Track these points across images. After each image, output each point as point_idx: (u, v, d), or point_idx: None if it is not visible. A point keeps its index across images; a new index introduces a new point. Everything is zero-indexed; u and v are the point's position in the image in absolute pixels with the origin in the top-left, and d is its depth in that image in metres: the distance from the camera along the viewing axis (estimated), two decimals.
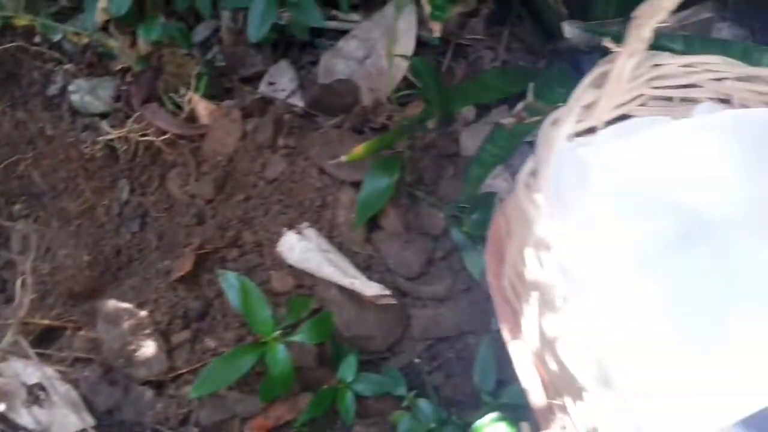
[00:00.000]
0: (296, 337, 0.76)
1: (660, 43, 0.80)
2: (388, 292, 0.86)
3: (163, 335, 0.86)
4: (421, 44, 1.15)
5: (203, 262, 0.90)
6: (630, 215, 0.69)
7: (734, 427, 0.61)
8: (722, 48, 0.82)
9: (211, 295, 0.89)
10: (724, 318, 0.64)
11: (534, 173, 0.64)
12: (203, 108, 1.03)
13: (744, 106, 0.72)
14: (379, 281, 0.92)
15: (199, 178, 0.98)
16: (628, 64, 0.66)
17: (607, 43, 0.65)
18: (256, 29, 0.99)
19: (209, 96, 1.07)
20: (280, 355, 0.75)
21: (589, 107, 0.69)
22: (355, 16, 1.21)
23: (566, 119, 0.65)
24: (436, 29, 0.96)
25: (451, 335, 0.93)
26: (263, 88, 1.13)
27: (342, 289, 0.89)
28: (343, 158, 0.83)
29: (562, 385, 0.59)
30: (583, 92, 0.67)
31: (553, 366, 0.59)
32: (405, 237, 0.95)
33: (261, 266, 0.92)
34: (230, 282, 0.76)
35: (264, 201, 0.95)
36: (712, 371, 0.62)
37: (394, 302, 0.87)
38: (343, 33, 1.18)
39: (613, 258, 0.67)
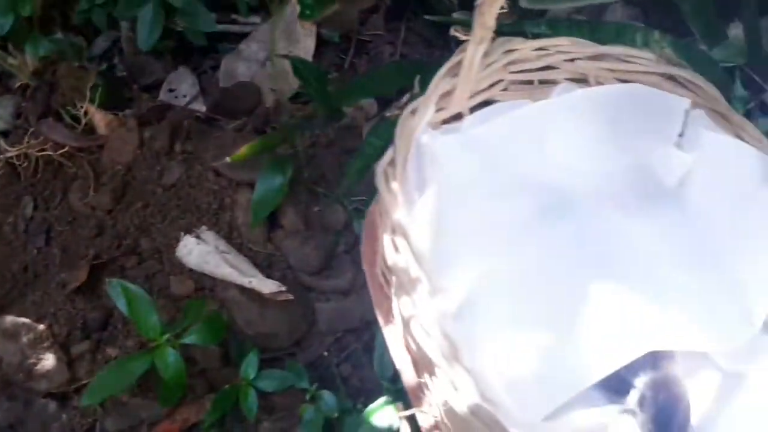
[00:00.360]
0: (187, 340, 0.77)
1: (524, 28, 0.82)
2: (284, 289, 0.87)
3: (62, 347, 0.86)
4: (322, 43, 1.16)
5: (101, 272, 0.91)
6: (494, 195, 0.72)
7: (591, 389, 0.64)
8: (590, 29, 0.85)
9: (110, 305, 0.89)
10: (583, 288, 0.67)
11: (392, 163, 0.66)
12: (100, 119, 1.03)
13: (599, 83, 0.74)
14: (281, 278, 0.93)
15: (99, 189, 0.99)
16: (477, 51, 0.68)
17: (454, 32, 0.67)
18: (146, 38, 1.00)
19: (109, 107, 1.07)
20: (171, 358, 0.76)
21: (447, 95, 0.71)
22: (255, 19, 1.22)
23: (424, 109, 0.67)
24: (307, 27, 0.98)
25: (357, 326, 0.95)
26: (163, 95, 1.14)
27: (242, 288, 0.90)
28: (228, 159, 0.84)
29: (423, 363, 0.61)
30: (439, 81, 0.69)
31: (413, 346, 0.61)
32: (305, 234, 0.96)
33: (161, 272, 0.92)
34: (116, 290, 0.77)
35: (162, 207, 0.96)
36: (570, 340, 0.64)
37: (291, 298, 0.88)
38: (243, 36, 1.19)
39: (476, 237, 0.70)
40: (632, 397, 0.65)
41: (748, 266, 0.67)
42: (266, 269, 0.94)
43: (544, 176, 0.74)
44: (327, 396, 0.85)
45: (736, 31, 0.98)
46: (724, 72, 0.93)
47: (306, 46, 1.15)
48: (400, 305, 0.60)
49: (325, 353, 0.94)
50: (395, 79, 1.04)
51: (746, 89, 1.01)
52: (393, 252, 0.62)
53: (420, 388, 0.64)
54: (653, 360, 0.65)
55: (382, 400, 0.77)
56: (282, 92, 1.11)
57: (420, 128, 0.67)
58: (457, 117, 0.77)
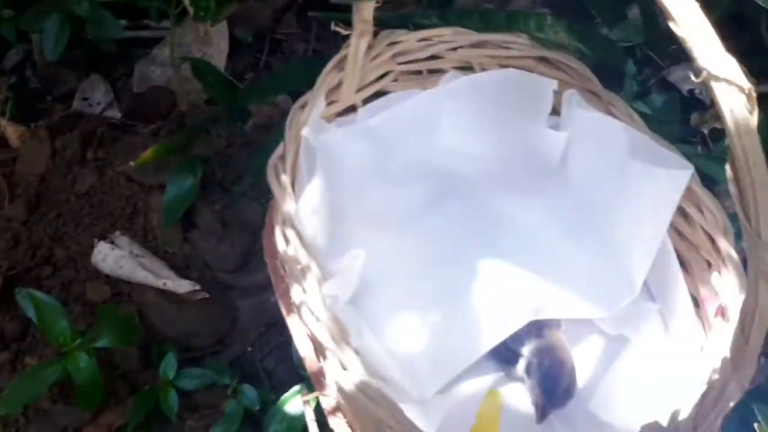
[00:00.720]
0: (100, 343, 0.78)
1: (415, 20, 0.84)
2: (198, 288, 0.88)
3: None
4: (237, 43, 1.17)
5: (17, 283, 0.91)
6: (388, 183, 0.74)
7: (481, 361, 0.67)
8: (480, 17, 0.87)
9: (27, 315, 0.90)
10: (471, 266, 0.70)
11: (283, 157, 0.68)
12: (12, 132, 1.03)
13: (484, 70, 0.77)
14: (199, 278, 0.94)
15: (13, 200, 0.99)
16: (360, 44, 0.70)
17: (335, 27, 0.69)
18: (52, 49, 1.01)
19: (21, 119, 1.07)
20: (82, 363, 0.76)
21: (337, 89, 0.73)
22: (167, 23, 1.21)
23: (313, 102, 0.69)
24: (202, 30, 0.99)
25: (279, 321, 0.95)
26: (77, 104, 1.14)
27: (158, 291, 0.91)
28: (132, 163, 0.85)
29: (318, 348, 0.63)
30: (327, 75, 0.71)
31: (306, 331, 0.63)
32: (221, 233, 0.97)
33: (76, 280, 0.93)
34: (26, 300, 0.78)
35: (75, 215, 0.96)
36: (459, 316, 0.67)
37: (207, 296, 0.89)
38: (157, 41, 1.19)
39: (370, 223, 0.72)
40: (520, 365, 0.68)
41: (625, 235, 0.71)
42: (184, 270, 0.95)
43: (435, 162, 0.77)
44: (248, 390, 0.86)
45: (634, 11, 1.02)
46: (622, 51, 0.96)
47: (219, 48, 1.16)
48: (293, 293, 0.62)
49: (249, 349, 0.95)
50: (306, 76, 1.04)
51: (645, 67, 1.05)
52: (283, 242, 0.64)
53: (321, 372, 0.66)
54: (537, 329, 0.68)
55: (296, 388, 0.79)
56: (197, 95, 1.12)
57: (310, 121, 0.69)
58: (352, 109, 0.80)
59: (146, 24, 1.20)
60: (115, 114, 1.13)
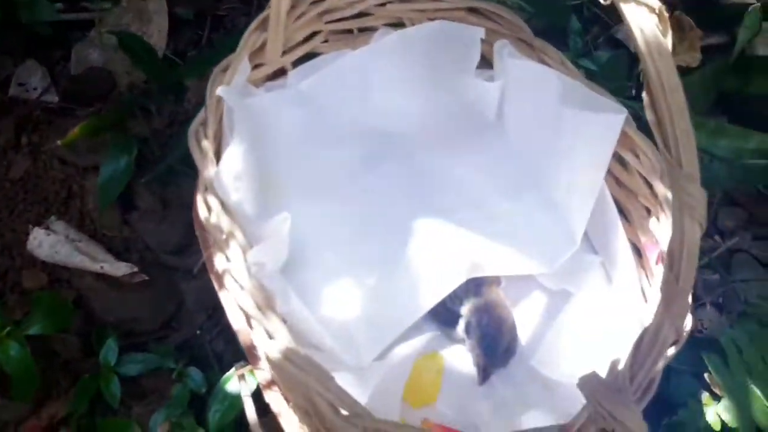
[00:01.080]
0: (31, 331, 0.75)
1: None
2: (135, 269, 0.85)
3: None
4: (177, 21, 1.13)
5: None
6: (322, 146, 0.72)
7: (421, 323, 0.64)
8: None
9: None
10: (407, 226, 0.67)
11: (204, 122, 0.65)
12: None
13: (414, 25, 0.74)
14: (139, 261, 0.91)
15: None
16: (281, 3, 0.67)
17: None
18: None
19: None
20: (13, 351, 0.73)
21: (261, 51, 0.70)
22: (106, 4, 1.18)
23: (235, 65, 0.66)
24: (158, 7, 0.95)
25: None
26: (13, 90, 1.10)
27: (97, 275, 0.88)
28: (59, 142, 0.82)
29: (247, 319, 0.60)
30: (249, 37, 0.68)
31: (232, 301, 0.61)
32: (162, 213, 0.94)
33: (11, 268, 0.89)
34: None
35: (9, 202, 0.93)
36: (396, 279, 0.65)
37: (146, 278, 0.86)
38: (95, 23, 1.15)
39: (303, 187, 0.69)
40: (459, 326, 0.66)
41: (562, 186, 0.69)
42: (124, 253, 0.92)
43: (369, 123, 0.74)
44: (194, 373, 0.84)
45: None
46: (567, 9, 0.95)
47: (159, 26, 1.12)
48: (216, 262, 0.59)
49: (198, 332, 0.92)
50: None
51: (593, 25, 1.03)
52: (205, 210, 0.61)
53: (253, 345, 0.63)
54: (476, 287, 0.66)
55: (239, 364, 0.76)
56: (137, 74, 1.08)
57: (233, 84, 0.66)
58: (283, 73, 0.77)
59: (83, 6, 1.16)
60: (52, 98, 1.09)
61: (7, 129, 0.98)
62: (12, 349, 0.73)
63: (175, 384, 0.85)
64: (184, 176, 0.94)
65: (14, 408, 0.83)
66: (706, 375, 0.65)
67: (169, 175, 0.96)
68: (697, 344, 0.61)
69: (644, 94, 0.41)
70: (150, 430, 0.78)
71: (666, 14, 0.40)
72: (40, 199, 0.93)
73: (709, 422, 0.64)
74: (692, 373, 0.70)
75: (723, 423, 0.65)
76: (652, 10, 0.39)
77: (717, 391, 0.65)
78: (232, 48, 1.00)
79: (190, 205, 0.93)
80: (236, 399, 0.73)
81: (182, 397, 0.80)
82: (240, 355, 0.89)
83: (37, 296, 0.81)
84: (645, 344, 0.48)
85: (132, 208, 0.95)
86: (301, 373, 0.52)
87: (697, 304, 0.86)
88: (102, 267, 0.86)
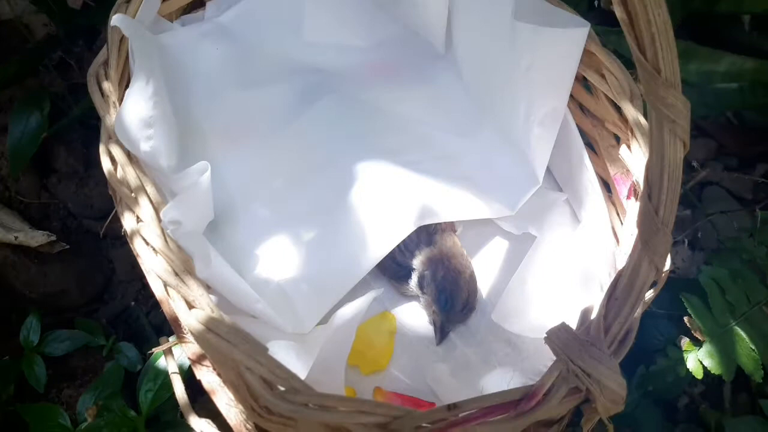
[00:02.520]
0: None
1: None
2: (53, 238, 0.76)
3: None
4: None
5: None
6: (247, 85, 0.63)
7: (370, 281, 0.57)
8: None
9: None
10: (349, 173, 0.59)
11: (107, 62, 0.56)
12: None
13: None
14: (62, 228, 0.83)
15: None
16: None
17: None
18: None
19: None
20: None
21: None
22: None
23: None
24: None
25: None
26: None
27: (14, 247, 0.79)
28: None
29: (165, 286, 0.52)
30: None
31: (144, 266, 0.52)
32: (83, 175, 0.85)
33: None
34: None
35: None
36: (337, 233, 0.57)
37: (67, 247, 0.78)
38: None
39: (227, 133, 0.61)
40: (412, 280, 0.58)
41: (521, 117, 0.61)
42: (43, 221, 0.84)
43: (301, 58, 0.66)
44: (126, 348, 0.77)
45: None
46: None
47: None
48: (124, 222, 0.51)
49: (132, 303, 0.84)
50: None
51: None
52: (109, 162, 0.52)
53: (177, 316, 0.55)
54: (428, 236, 0.58)
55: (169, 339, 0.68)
56: (52, 25, 0.98)
57: (139, 16, 0.57)
58: (201, 5, 0.67)
59: None
60: None
61: None
62: None
63: (108, 362, 0.77)
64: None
65: None
66: (685, 318, 0.59)
67: (88, 133, 0.87)
68: (671, 285, 0.54)
69: None
70: (78, 415, 0.70)
71: None
72: None
73: (690, 369, 0.58)
74: (668, 316, 0.64)
75: (705, 369, 0.58)
76: None
77: (698, 335, 0.59)
78: None
79: None
80: (168, 376, 0.65)
81: (113, 376, 0.73)
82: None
83: None
84: (621, 289, 0.41)
85: (51, 172, 0.86)
86: (227, 345, 0.44)
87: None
88: (16, 237, 0.78)
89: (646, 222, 0.38)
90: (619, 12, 0.34)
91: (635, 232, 0.48)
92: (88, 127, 0.88)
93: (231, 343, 0.44)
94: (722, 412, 0.74)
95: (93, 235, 0.85)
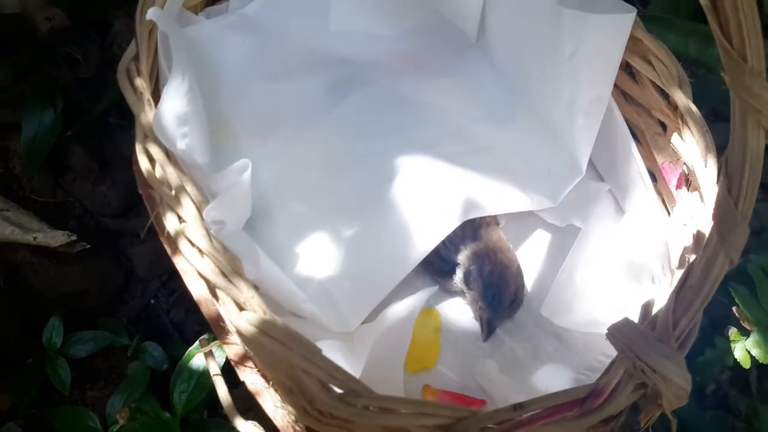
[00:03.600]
0: None
1: None
2: (74, 237, 0.75)
3: None
4: None
5: None
6: (276, 78, 0.62)
7: (413, 278, 0.55)
8: None
9: None
10: (386, 166, 0.58)
11: (137, 56, 0.54)
12: None
13: None
14: (79, 227, 0.82)
15: None
16: None
17: None
18: None
19: None
20: None
21: None
22: None
23: None
24: None
25: None
26: None
27: (32, 248, 0.77)
28: None
29: (209, 288, 0.51)
30: None
31: (190, 268, 0.51)
32: (98, 172, 0.84)
33: None
34: None
35: None
36: (379, 229, 0.55)
37: (87, 246, 0.76)
38: None
39: (260, 128, 0.59)
40: (457, 276, 0.57)
41: (562, 106, 0.59)
42: (59, 220, 0.82)
43: (330, 49, 0.64)
44: (151, 348, 0.76)
45: None
46: None
47: None
48: (167, 223, 0.49)
49: (152, 301, 0.83)
50: None
51: None
52: (147, 162, 0.50)
53: (220, 317, 0.54)
54: (473, 230, 0.57)
55: (204, 336, 0.67)
56: (60, 17, 0.96)
57: (166, 9, 0.55)
58: None
59: None
60: None
61: None
62: None
63: (131, 362, 0.76)
64: (120, 129, 0.84)
65: None
66: (734, 308, 0.58)
67: (103, 129, 0.86)
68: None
69: None
70: (108, 417, 0.69)
71: None
72: None
73: (738, 359, 0.57)
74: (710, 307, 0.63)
75: (753, 359, 0.58)
76: None
77: (745, 325, 0.58)
78: None
79: (130, 162, 0.82)
80: (203, 376, 0.65)
81: (140, 377, 0.72)
82: (205, 325, 0.81)
83: None
84: (693, 281, 0.40)
85: (65, 169, 0.85)
86: (282, 348, 0.43)
87: None
88: (35, 238, 0.76)
89: (724, 215, 0.37)
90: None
91: (691, 222, 0.47)
92: (102, 124, 0.86)
93: (286, 345, 0.43)
94: (751, 398, 0.73)
95: (110, 234, 0.84)
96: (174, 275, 0.86)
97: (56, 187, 0.85)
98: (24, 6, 1.01)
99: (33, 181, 0.83)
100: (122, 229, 0.85)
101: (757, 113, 0.34)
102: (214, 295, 0.51)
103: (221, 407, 0.63)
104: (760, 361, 0.57)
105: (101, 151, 0.86)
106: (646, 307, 0.45)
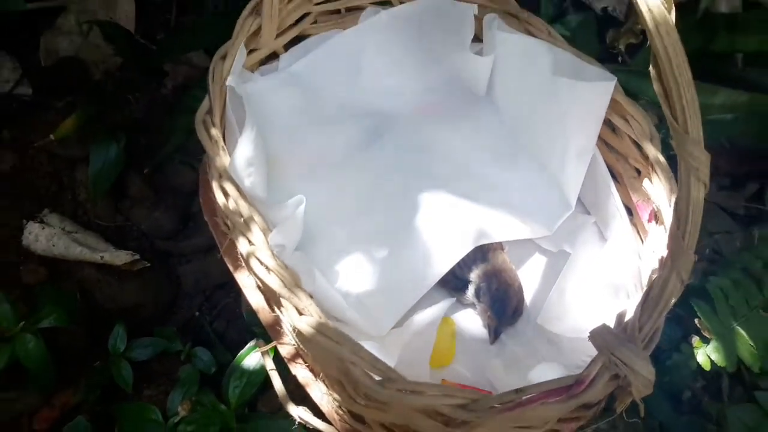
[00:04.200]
0: (43, 323, 0.76)
1: None
2: (137, 256, 0.87)
3: None
4: (144, 5, 1.13)
5: None
6: (320, 125, 0.74)
7: (432, 292, 0.68)
8: None
9: None
10: (409, 199, 0.71)
11: (210, 110, 0.67)
12: None
13: (402, 2, 0.77)
14: (136, 248, 0.93)
15: None
16: None
17: None
18: None
19: None
20: (31, 344, 0.75)
21: (255, 36, 0.71)
22: None
23: (233, 52, 0.67)
24: None
25: (224, 281, 0.96)
26: None
27: (97, 266, 0.89)
28: (51, 137, 0.83)
29: (271, 297, 0.63)
30: (244, 22, 0.70)
31: (258, 282, 0.63)
32: (153, 199, 0.96)
33: (9, 265, 0.90)
34: None
35: None
36: (404, 251, 0.68)
37: (148, 265, 0.88)
38: (61, 11, 1.14)
39: (306, 168, 0.72)
40: (469, 291, 0.70)
41: (556, 153, 0.73)
42: (120, 242, 0.93)
43: (363, 101, 0.77)
44: (201, 353, 0.86)
45: None
46: None
47: (126, 11, 1.12)
48: (239, 246, 0.62)
49: (197, 313, 0.95)
50: (219, 30, 1.02)
51: None
52: (222, 197, 0.63)
53: (276, 321, 0.66)
54: (483, 254, 0.70)
55: (251, 344, 0.79)
56: (110, 61, 1.08)
57: (233, 71, 0.68)
58: (274, 56, 0.79)
59: None
60: (26, 91, 1.08)
61: None
62: (29, 342, 0.75)
63: (182, 365, 0.87)
64: (168, 161, 0.96)
65: (27, 399, 0.85)
66: (696, 320, 0.71)
67: (156, 163, 0.98)
68: (685, 292, 0.66)
69: (651, 68, 0.45)
70: (168, 411, 0.80)
71: None
72: (30, 193, 0.94)
73: (700, 362, 0.70)
74: (673, 319, 0.76)
75: (712, 362, 0.70)
76: None
77: (706, 334, 0.70)
78: (205, 29, 1.02)
79: (181, 191, 0.95)
80: (253, 375, 0.76)
81: (193, 377, 0.83)
82: (243, 333, 0.93)
83: (41, 290, 0.82)
84: (653, 296, 0.53)
85: (123, 197, 0.97)
86: (334, 345, 0.55)
87: None
88: (102, 257, 0.88)
89: (674, 245, 0.50)
90: (656, 87, 0.45)
91: (657, 250, 0.60)
92: (156, 158, 0.98)
93: (337, 342, 0.55)
94: (722, 403, 0.85)
95: (162, 254, 0.95)
96: (216, 291, 0.97)
97: (116, 212, 0.97)
98: (79, 50, 1.13)
99: (96, 208, 0.95)
100: (172, 250, 0.96)
101: (697, 170, 0.47)
102: (271, 305, 0.63)
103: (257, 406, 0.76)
104: (718, 364, 0.70)
105: (154, 181, 0.98)
106: (620, 317, 0.57)
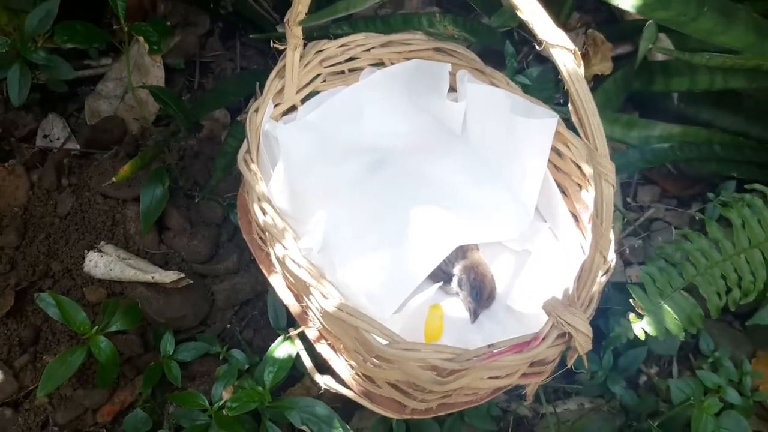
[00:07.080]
0: (113, 328, 0.95)
1: (330, 31, 1.05)
2: (182, 275, 1.06)
3: (6, 363, 1.02)
4: (170, 71, 1.34)
5: (24, 297, 1.07)
6: (331, 162, 0.95)
7: (423, 284, 0.88)
8: (383, 22, 1.08)
9: (38, 322, 1.06)
10: (403, 215, 0.92)
11: (248, 151, 0.87)
12: None
13: (392, 63, 0.99)
14: (179, 271, 1.12)
15: (2, 231, 1.13)
16: (294, 55, 0.90)
17: (274, 44, 0.89)
18: (17, 95, 1.13)
19: None
20: (103, 344, 0.93)
21: (280, 93, 0.92)
22: (106, 60, 1.38)
23: (264, 106, 0.88)
24: (155, 60, 1.17)
25: (250, 298, 1.14)
26: (40, 141, 1.28)
27: (147, 285, 1.07)
28: (114, 179, 1.02)
29: (301, 290, 0.83)
30: (271, 83, 0.90)
31: (290, 278, 0.83)
32: (191, 231, 1.15)
33: (74, 287, 1.08)
34: (46, 301, 0.94)
35: (63, 234, 1.12)
36: (401, 253, 0.88)
37: (192, 282, 1.07)
38: (99, 77, 1.34)
39: (321, 195, 0.92)
40: (453, 282, 0.90)
41: (517, 175, 0.94)
42: (164, 266, 1.11)
43: (365, 142, 0.98)
44: (236, 353, 1.04)
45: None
46: (502, 35, 1.14)
47: (157, 76, 1.32)
48: (275, 251, 0.82)
49: (228, 325, 1.12)
50: (239, 89, 1.22)
51: (523, 46, 1.24)
52: (261, 215, 0.83)
53: (304, 312, 0.85)
54: (462, 253, 0.90)
55: (279, 339, 0.97)
56: (145, 119, 1.28)
57: (264, 121, 0.89)
58: (293, 108, 1.00)
59: (87, 63, 1.35)
60: (74, 146, 1.27)
61: (48, 174, 1.18)
62: (102, 342, 0.93)
63: (220, 366, 1.05)
64: (201, 199, 1.15)
65: (92, 396, 1.02)
66: (630, 300, 0.90)
67: (189, 200, 1.17)
68: (629, 292, 0.86)
69: (570, 105, 0.65)
70: (213, 397, 0.98)
71: (579, 52, 0.64)
72: (89, 228, 1.12)
73: (636, 334, 0.89)
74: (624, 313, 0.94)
75: (646, 333, 0.90)
76: (570, 51, 0.63)
77: (640, 311, 0.90)
78: (228, 90, 1.23)
79: (212, 223, 1.14)
80: (283, 362, 0.95)
81: (233, 370, 1.00)
82: (267, 340, 1.11)
83: (108, 303, 1.00)
84: (585, 270, 0.72)
85: (165, 229, 1.16)
86: (353, 318, 0.74)
87: (626, 265, 1.11)
88: (153, 277, 1.06)
89: (595, 231, 0.70)
90: (574, 118, 0.66)
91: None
92: (191, 196, 1.17)
93: (355, 317, 0.74)
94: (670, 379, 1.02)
95: (199, 276, 1.14)
96: (244, 306, 1.15)
97: (161, 242, 1.16)
98: (116, 110, 1.33)
99: (144, 239, 1.14)
100: (207, 272, 1.15)
101: (606, 175, 0.67)
102: (300, 298, 0.82)
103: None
104: (650, 334, 0.89)
105: (191, 215, 1.18)
106: (565, 291, 0.77)
